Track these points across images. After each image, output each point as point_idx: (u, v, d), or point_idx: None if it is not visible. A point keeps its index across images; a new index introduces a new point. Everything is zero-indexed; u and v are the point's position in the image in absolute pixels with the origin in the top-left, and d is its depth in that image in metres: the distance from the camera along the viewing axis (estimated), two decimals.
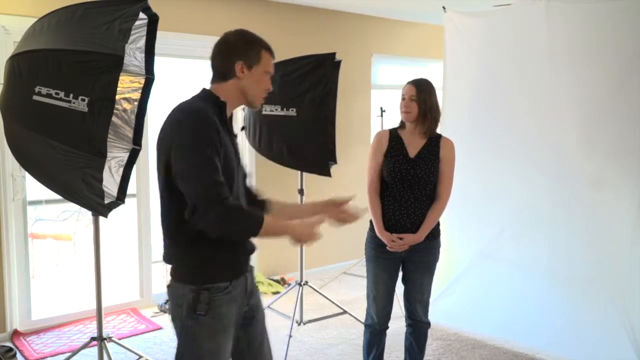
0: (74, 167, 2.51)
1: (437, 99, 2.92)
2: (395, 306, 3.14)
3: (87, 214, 5.68)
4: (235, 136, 2.05)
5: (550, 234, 3.71)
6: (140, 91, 2.85)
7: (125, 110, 2.86)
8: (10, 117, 2.56)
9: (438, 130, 2.97)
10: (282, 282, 5.08)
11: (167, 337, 4.06)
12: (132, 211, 4.66)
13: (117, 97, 2.68)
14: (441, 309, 4.01)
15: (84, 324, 4.24)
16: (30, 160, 2.72)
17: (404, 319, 3.15)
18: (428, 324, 3.09)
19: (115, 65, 2.36)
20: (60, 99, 2.37)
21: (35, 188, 4.47)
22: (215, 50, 1.99)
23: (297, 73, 3.78)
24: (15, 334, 3.98)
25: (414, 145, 2.90)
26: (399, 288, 3.04)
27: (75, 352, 3.40)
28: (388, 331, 3.09)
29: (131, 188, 4.54)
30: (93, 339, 3.25)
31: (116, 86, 2.40)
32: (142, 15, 2.57)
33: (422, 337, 3.10)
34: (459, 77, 4.18)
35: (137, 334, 4.10)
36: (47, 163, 2.64)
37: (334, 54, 3.80)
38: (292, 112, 3.79)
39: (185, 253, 1.92)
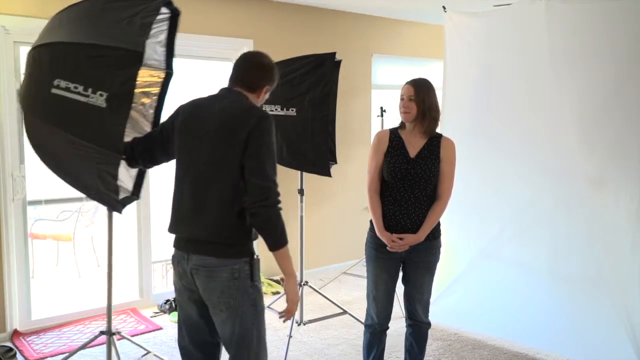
0: (89, 161, 2.50)
1: (437, 99, 2.91)
2: (396, 306, 3.14)
3: (87, 214, 5.68)
4: None
5: (550, 234, 3.71)
6: (159, 86, 2.83)
7: (143, 104, 2.83)
8: (28, 109, 2.55)
9: (438, 130, 2.96)
10: (282, 282, 5.09)
11: (167, 337, 4.06)
12: (132, 211, 4.66)
13: (136, 90, 2.66)
14: (441, 309, 4.00)
15: (84, 324, 4.23)
16: (47, 153, 2.69)
17: (404, 319, 3.15)
18: (428, 324, 3.09)
19: (134, 61, 2.33)
20: (79, 93, 2.35)
21: (35, 188, 4.48)
22: (252, 67, 2.32)
23: (297, 73, 3.78)
24: (15, 334, 3.98)
25: (414, 145, 2.90)
26: (399, 288, 3.03)
27: (83, 346, 3.44)
28: (388, 331, 3.08)
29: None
30: (102, 332, 3.29)
31: (135, 82, 2.37)
32: (164, 9, 2.55)
33: (423, 338, 3.09)
34: (459, 77, 4.18)
35: (137, 334, 4.09)
36: (63, 156, 2.63)
37: (334, 54, 3.80)
38: (292, 112, 3.79)
39: (238, 232, 2.17)
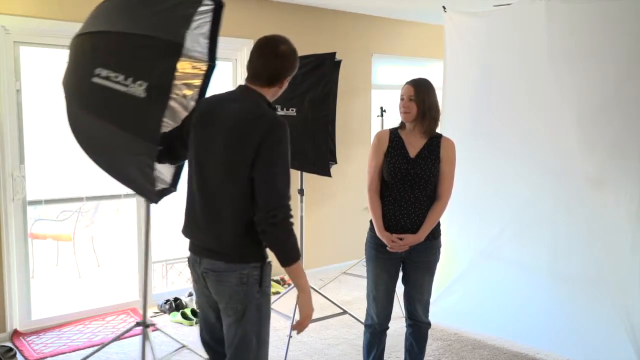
0: (127, 151, 2.48)
1: (437, 99, 2.91)
2: (396, 306, 3.14)
3: (87, 214, 5.69)
4: None
5: (550, 234, 3.71)
6: (201, 77, 2.80)
7: (185, 96, 2.80)
8: (70, 97, 2.55)
9: (438, 130, 2.96)
10: (282, 282, 5.08)
11: (167, 337, 4.06)
12: (132, 211, 4.66)
13: (178, 82, 2.66)
14: (441, 309, 4.00)
15: (84, 324, 4.23)
16: (87, 142, 2.68)
17: (404, 319, 3.15)
18: (428, 324, 3.09)
19: (174, 52, 2.30)
20: (119, 83, 2.33)
21: (35, 188, 4.48)
22: (269, 60, 2.15)
23: (297, 73, 3.75)
24: (15, 334, 3.98)
25: (414, 145, 2.90)
26: (399, 288, 3.03)
27: (117, 337, 3.50)
28: (388, 331, 3.08)
29: None
30: (138, 324, 3.34)
31: (174, 73, 2.35)
32: (207, 1, 2.52)
33: (422, 338, 3.09)
34: (459, 77, 4.18)
35: (137, 334, 4.09)
36: (103, 146, 2.62)
37: (334, 54, 3.80)
38: (292, 112, 3.79)
39: (247, 237, 2.10)
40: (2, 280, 3.91)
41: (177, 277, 5.13)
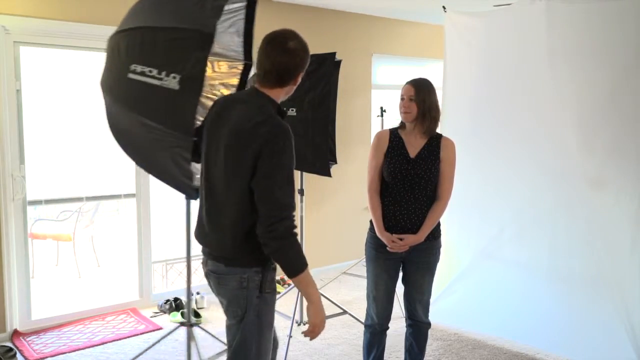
0: (164, 146, 2.50)
1: (437, 99, 2.91)
2: (396, 306, 3.14)
3: (87, 214, 5.69)
4: None
5: (550, 234, 3.71)
6: (238, 77, 2.82)
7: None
8: (108, 95, 2.58)
9: (438, 130, 2.96)
10: (282, 282, 5.08)
11: (166, 337, 4.06)
12: (132, 211, 4.66)
13: (215, 82, 2.67)
14: (441, 309, 4.01)
15: (84, 324, 4.24)
16: (126, 139, 2.71)
17: (404, 319, 3.15)
18: (428, 324, 3.09)
19: (205, 42, 2.32)
20: (153, 77, 2.36)
21: (35, 188, 4.48)
22: (279, 61, 2.04)
23: None
24: (15, 334, 3.98)
25: (414, 145, 2.90)
26: (399, 288, 3.03)
27: (164, 336, 3.51)
28: (388, 331, 3.08)
29: (130, 187, 4.57)
30: (182, 324, 3.34)
31: (205, 63, 2.37)
32: None
33: (423, 338, 3.09)
34: (459, 77, 4.18)
35: (137, 334, 4.10)
36: (141, 142, 2.64)
37: (334, 54, 3.80)
38: (292, 112, 3.78)
39: (247, 244, 2.05)
40: (2, 280, 3.91)
41: (177, 277, 5.13)
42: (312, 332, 2.11)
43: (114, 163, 5.22)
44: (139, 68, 2.39)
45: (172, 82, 2.33)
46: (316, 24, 5.40)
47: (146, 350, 3.61)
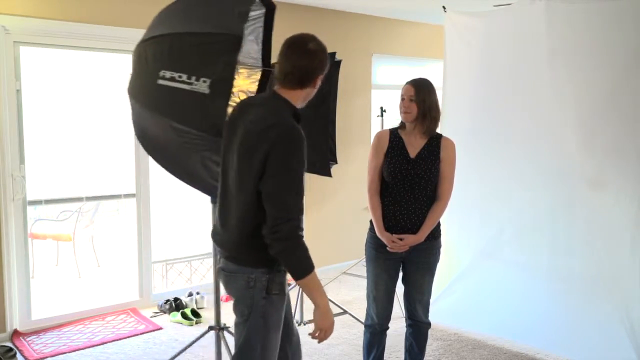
0: (194, 149, 2.54)
1: (437, 99, 2.91)
2: (396, 306, 3.14)
3: (87, 214, 5.69)
4: None
5: (550, 234, 3.71)
6: (256, 83, 2.87)
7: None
8: (136, 101, 2.62)
9: (438, 130, 2.96)
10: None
11: (166, 337, 4.06)
12: (132, 211, 4.66)
13: (236, 90, 2.72)
14: (441, 309, 4.00)
15: (84, 324, 4.24)
16: (153, 144, 2.76)
17: (404, 319, 3.15)
18: (428, 325, 3.09)
19: (234, 45, 2.37)
20: (183, 82, 2.41)
21: (35, 188, 4.48)
22: (301, 56, 2.07)
23: None
24: (15, 334, 3.98)
25: (414, 145, 2.90)
26: (399, 288, 3.03)
27: (193, 342, 3.49)
28: (388, 331, 3.08)
29: (130, 187, 4.58)
30: (210, 328, 3.34)
31: (234, 67, 2.42)
32: (258, 5, 2.59)
33: (423, 338, 3.09)
34: (459, 77, 4.18)
35: (137, 334, 4.09)
36: (170, 147, 2.68)
37: (334, 54, 3.80)
38: None
39: (253, 244, 2.07)
40: (2, 280, 3.91)
41: (177, 277, 5.13)
42: (319, 336, 2.13)
43: (114, 163, 5.23)
44: (168, 74, 2.43)
45: (202, 86, 2.38)
46: (316, 24, 5.39)
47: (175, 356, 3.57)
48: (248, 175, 2.02)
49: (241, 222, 2.09)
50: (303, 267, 2.03)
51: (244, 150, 2.05)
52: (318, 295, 2.07)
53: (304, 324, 4.13)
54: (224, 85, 2.38)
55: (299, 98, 2.14)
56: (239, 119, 2.15)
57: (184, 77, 2.40)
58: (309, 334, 2.18)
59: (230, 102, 2.62)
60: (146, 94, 2.56)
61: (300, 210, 2.02)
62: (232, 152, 2.12)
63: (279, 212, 1.98)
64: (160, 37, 2.53)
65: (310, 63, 2.08)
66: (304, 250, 2.03)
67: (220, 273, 2.23)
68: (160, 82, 2.44)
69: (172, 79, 2.43)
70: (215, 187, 2.58)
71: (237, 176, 2.08)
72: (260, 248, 2.05)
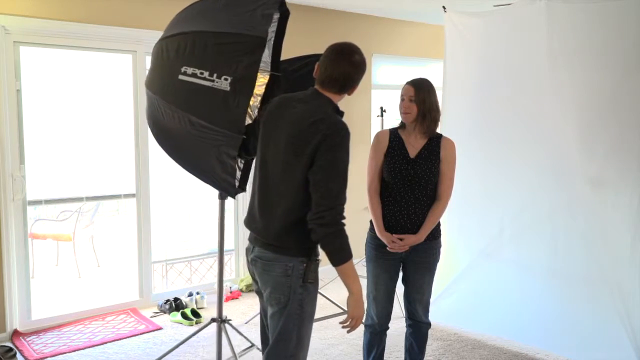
0: (210, 144, 2.59)
1: (437, 99, 2.91)
2: (396, 306, 3.14)
3: (87, 214, 5.69)
4: None
5: (550, 234, 3.71)
6: (263, 87, 2.96)
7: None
8: (154, 93, 2.67)
9: (438, 130, 2.96)
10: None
11: (167, 337, 4.06)
12: (132, 211, 4.66)
13: None
14: (441, 309, 4.01)
15: (84, 324, 4.24)
16: (169, 138, 2.80)
17: (404, 319, 3.15)
18: (428, 324, 3.09)
19: (258, 46, 2.44)
20: (205, 79, 2.47)
21: (35, 188, 4.48)
22: (347, 66, 2.22)
23: (297, 73, 3.78)
24: (15, 334, 3.99)
25: (414, 145, 2.90)
26: (399, 288, 3.03)
27: (194, 333, 3.56)
28: (388, 331, 3.08)
29: (130, 187, 4.58)
30: (213, 320, 3.41)
31: (258, 66, 2.48)
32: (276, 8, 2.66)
33: (423, 338, 3.09)
34: (459, 77, 4.18)
35: (137, 334, 4.10)
36: (185, 141, 2.72)
37: None
38: None
39: (294, 232, 2.17)
40: (2, 280, 3.91)
41: (177, 277, 5.13)
42: (350, 325, 2.20)
43: (114, 163, 5.23)
44: (189, 70, 2.50)
45: (223, 83, 2.45)
46: (316, 24, 5.40)
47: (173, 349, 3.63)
48: (297, 166, 2.13)
49: (287, 212, 2.17)
50: (343, 253, 2.13)
51: (294, 143, 2.14)
52: (353, 282, 2.17)
53: None
54: (245, 84, 2.45)
55: (336, 100, 2.28)
56: (281, 114, 2.25)
57: (206, 74, 2.47)
58: (340, 323, 2.23)
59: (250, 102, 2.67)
60: (166, 88, 2.61)
61: (344, 200, 2.12)
62: (275, 145, 2.21)
63: (325, 199, 2.08)
64: (182, 35, 2.59)
65: (354, 73, 2.23)
66: (345, 237, 2.13)
67: (256, 262, 2.26)
68: (182, 77, 2.51)
69: (194, 75, 2.49)
70: (229, 182, 2.67)
71: (283, 167, 2.17)
72: (301, 236, 2.15)
